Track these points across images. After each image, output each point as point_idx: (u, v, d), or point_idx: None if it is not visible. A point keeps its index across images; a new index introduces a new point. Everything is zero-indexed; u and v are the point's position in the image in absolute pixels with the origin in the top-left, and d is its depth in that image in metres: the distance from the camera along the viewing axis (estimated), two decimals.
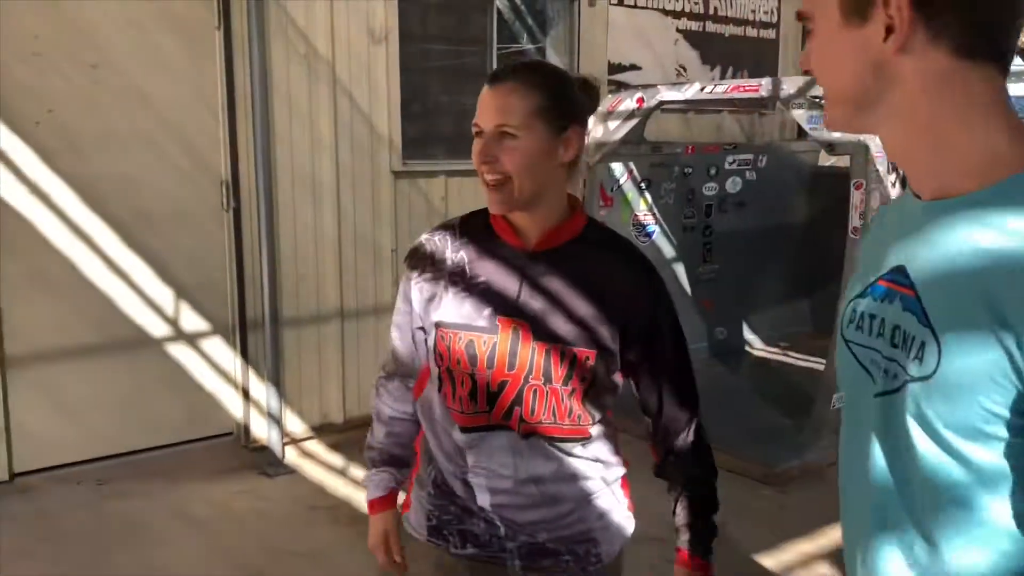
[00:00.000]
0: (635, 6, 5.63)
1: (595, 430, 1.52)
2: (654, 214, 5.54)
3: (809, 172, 6.27)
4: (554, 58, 5.40)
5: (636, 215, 5.47)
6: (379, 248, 4.66)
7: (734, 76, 6.17)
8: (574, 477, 1.51)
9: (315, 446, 4.40)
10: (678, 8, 5.84)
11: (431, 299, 1.50)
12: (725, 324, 5.94)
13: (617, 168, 5.33)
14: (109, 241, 4.00)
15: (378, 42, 4.55)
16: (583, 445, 1.51)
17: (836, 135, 4.06)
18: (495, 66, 4.89)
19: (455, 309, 1.47)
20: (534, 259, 1.46)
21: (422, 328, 1.55)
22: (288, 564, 3.27)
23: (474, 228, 1.52)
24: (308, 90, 4.34)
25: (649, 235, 5.52)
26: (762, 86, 4.41)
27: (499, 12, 5.03)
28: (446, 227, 1.55)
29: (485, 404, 1.47)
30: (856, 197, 3.98)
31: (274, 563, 3.27)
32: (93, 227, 3.96)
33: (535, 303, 1.45)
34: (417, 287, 1.53)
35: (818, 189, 6.21)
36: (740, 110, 6.32)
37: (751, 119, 6.44)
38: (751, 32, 6.30)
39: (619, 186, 5.36)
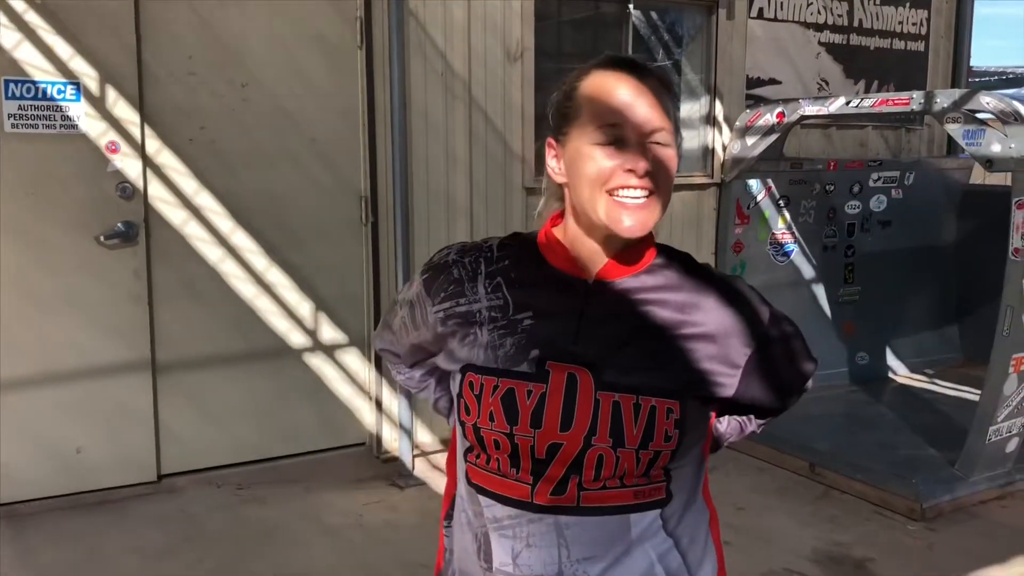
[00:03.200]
0: (775, 19, 5.47)
1: (678, 485, 1.19)
2: (793, 233, 5.35)
3: (960, 190, 5.93)
4: (690, 73, 5.30)
5: (774, 233, 5.30)
6: None
7: (879, 90, 5.91)
8: (643, 555, 1.16)
9: (443, 459, 4.43)
10: (820, 20, 5.65)
11: (457, 335, 1.21)
12: (867, 349, 5.67)
13: (755, 184, 5.19)
14: (254, 253, 4.15)
15: (513, 60, 4.57)
16: (662, 507, 1.17)
17: (995, 149, 3.83)
18: None
19: (490, 350, 1.17)
20: (597, 292, 1.17)
21: (427, 358, 1.33)
22: None
23: (517, 253, 1.24)
24: (444, 107, 4.40)
25: (787, 254, 5.34)
26: (913, 99, 4.21)
27: (634, 27, 4.98)
28: (478, 248, 1.25)
29: (528, 474, 1.14)
30: (1018, 216, 3.74)
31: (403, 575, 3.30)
32: (239, 240, 4.12)
33: (598, 344, 1.14)
34: (438, 317, 1.23)
35: (969, 209, 5.87)
36: (885, 125, 6.05)
37: (897, 135, 6.15)
38: (898, 45, 6.03)
39: (756, 203, 5.21)
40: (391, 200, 4.18)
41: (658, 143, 1.13)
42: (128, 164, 3.84)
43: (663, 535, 1.18)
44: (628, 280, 1.18)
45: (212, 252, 4.07)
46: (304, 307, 4.28)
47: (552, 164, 1.21)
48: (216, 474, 4.14)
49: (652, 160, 1.11)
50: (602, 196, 1.12)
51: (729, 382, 1.19)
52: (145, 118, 3.86)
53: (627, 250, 1.18)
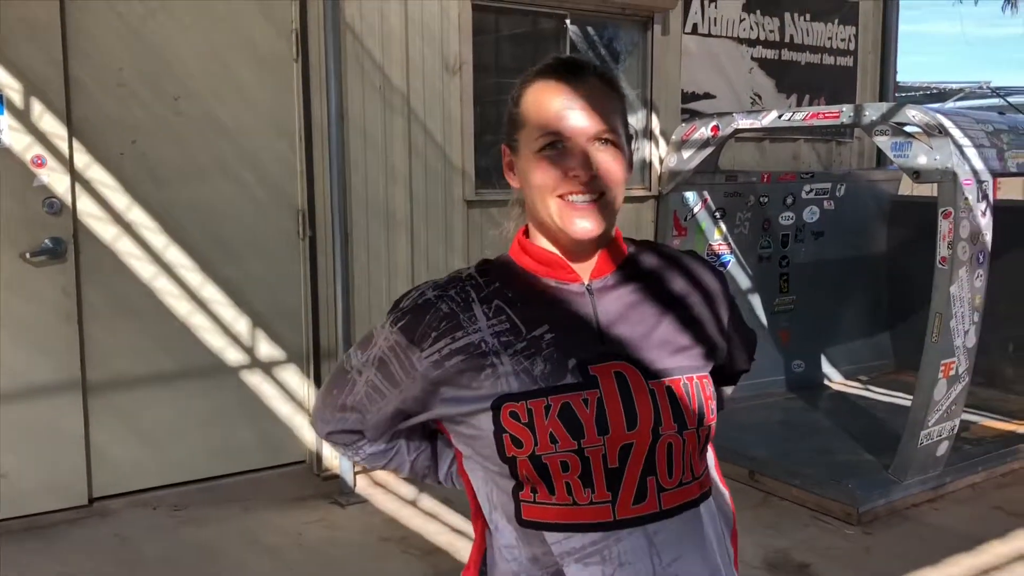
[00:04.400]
0: (709, 34, 5.57)
1: (707, 470, 1.22)
2: (729, 244, 5.44)
3: (889, 201, 6.10)
4: (627, 87, 5.36)
5: (710, 245, 5.37)
6: None
7: (810, 104, 6.05)
8: (713, 543, 1.18)
9: (386, 476, 4.38)
10: (753, 36, 5.77)
11: (466, 373, 1.12)
12: (802, 357, 5.78)
13: (691, 197, 5.26)
14: (188, 269, 4.07)
15: (452, 73, 4.57)
16: (708, 499, 1.20)
17: (922, 161, 3.94)
18: None
19: (523, 374, 1.10)
20: (599, 291, 1.18)
21: (410, 422, 1.23)
22: None
23: (502, 273, 1.19)
24: (383, 120, 4.38)
25: (724, 265, 5.42)
26: (843, 113, 4.31)
27: (572, 42, 5.02)
28: (456, 280, 1.19)
29: (605, 490, 1.10)
30: (944, 226, 3.85)
31: None
32: (173, 255, 4.03)
33: (624, 340, 1.15)
34: (432, 360, 1.13)
35: (898, 219, 6.04)
36: (817, 138, 6.19)
37: (828, 147, 6.31)
38: (828, 60, 6.18)
39: (693, 215, 5.29)
40: (329, 214, 4.14)
41: (603, 144, 1.13)
42: (55, 179, 3.74)
43: (718, 519, 1.22)
44: (620, 273, 1.20)
45: (145, 268, 3.98)
46: (241, 323, 4.21)
47: (508, 171, 1.22)
48: (151, 496, 4.03)
49: (597, 163, 1.12)
50: (553, 201, 1.13)
51: (722, 345, 1.26)
52: (73, 131, 3.77)
53: (607, 247, 1.20)
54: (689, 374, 1.16)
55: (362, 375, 1.22)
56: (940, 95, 15.32)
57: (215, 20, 4.03)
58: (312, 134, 4.19)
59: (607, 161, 1.13)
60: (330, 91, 4.05)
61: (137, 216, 3.94)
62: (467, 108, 4.64)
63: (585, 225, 1.12)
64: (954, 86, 15.50)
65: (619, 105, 1.17)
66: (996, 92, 15.66)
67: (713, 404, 1.18)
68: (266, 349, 4.28)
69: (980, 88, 15.30)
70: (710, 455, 1.26)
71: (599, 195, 1.13)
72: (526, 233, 1.22)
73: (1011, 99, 15.52)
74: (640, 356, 1.14)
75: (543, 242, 1.19)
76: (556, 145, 1.12)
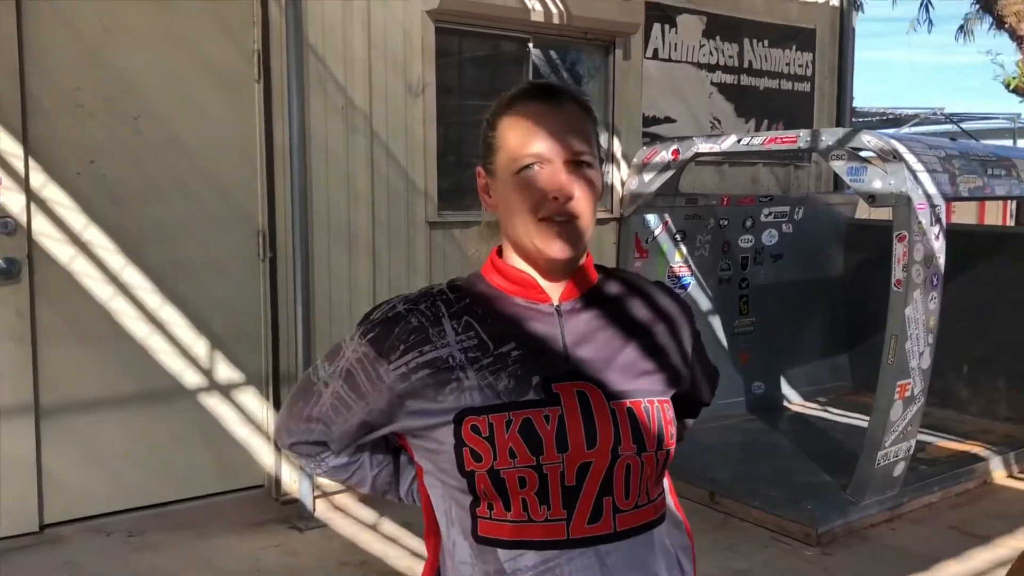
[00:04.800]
0: (669, 59, 5.64)
1: (666, 500, 1.24)
2: (690, 266, 5.49)
3: (846, 224, 6.20)
4: None
5: (671, 267, 5.42)
6: None
7: (769, 128, 6.15)
8: (665, 568, 1.19)
9: (346, 500, 4.33)
10: (713, 61, 5.85)
11: (431, 386, 1.13)
12: (762, 379, 5.83)
13: (652, 219, 5.30)
14: (146, 291, 4.01)
15: (415, 95, 4.58)
16: (662, 525, 1.21)
17: (877, 186, 4.01)
18: None
19: (486, 389, 1.12)
20: (567, 313, 1.19)
21: (375, 434, 1.23)
22: None
23: (473, 291, 1.21)
24: (345, 142, 4.37)
25: (684, 287, 5.46)
26: (800, 137, 4.38)
27: (534, 65, 5.06)
28: (427, 295, 1.20)
29: (561, 507, 1.10)
30: (899, 249, 3.92)
31: None
32: (130, 277, 3.97)
33: (589, 361, 1.17)
34: (399, 372, 1.14)
35: (855, 242, 6.14)
36: (775, 162, 6.28)
37: (787, 171, 6.40)
38: (786, 85, 6.29)
39: (654, 237, 5.33)
40: (290, 235, 4.11)
41: (579, 167, 1.15)
42: (10, 198, 3.68)
43: (667, 545, 1.21)
44: (589, 297, 1.22)
45: (101, 289, 3.92)
46: (199, 345, 4.15)
47: (483, 193, 1.24)
48: (104, 522, 3.95)
49: (573, 186, 1.14)
50: (531, 223, 1.15)
51: (685, 374, 1.28)
52: (29, 150, 3.71)
53: (578, 270, 1.22)
54: (650, 397, 1.18)
55: (328, 387, 1.22)
56: (896, 120, 15.64)
57: (176, 39, 4.00)
58: (273, 155, 4.17)
59: (583, 185, 1.16)
60: (292, 112, 4.04)
61: (94, 236, 3.88)
62: (430, 130, 4.65)
63: (562, 246, 1.15)
64: (909, 112, 15.83)
65: (594, 129, 1.20)
66: (949, 118, 16.02)
67: (673, 429, 1.19)
68: (225, 372, 4.23)
69: (934, 114, 15.65)
70: (666, 482, 1.27)
71: (574, 218, 1.15)
72: (499, 253, 1.24)
73: (963, 125, 15.90)
74: (603, 377, 1.16)
75: (517, 262, 1.21)
76: (533, 167, 1.14)
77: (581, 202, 1.15)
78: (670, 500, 1.28)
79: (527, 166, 1.14)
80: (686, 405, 1.35)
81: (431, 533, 1.22)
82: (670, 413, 1.20)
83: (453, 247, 4.77)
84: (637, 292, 1.27)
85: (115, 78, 3.90)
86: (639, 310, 1.25)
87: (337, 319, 4.37)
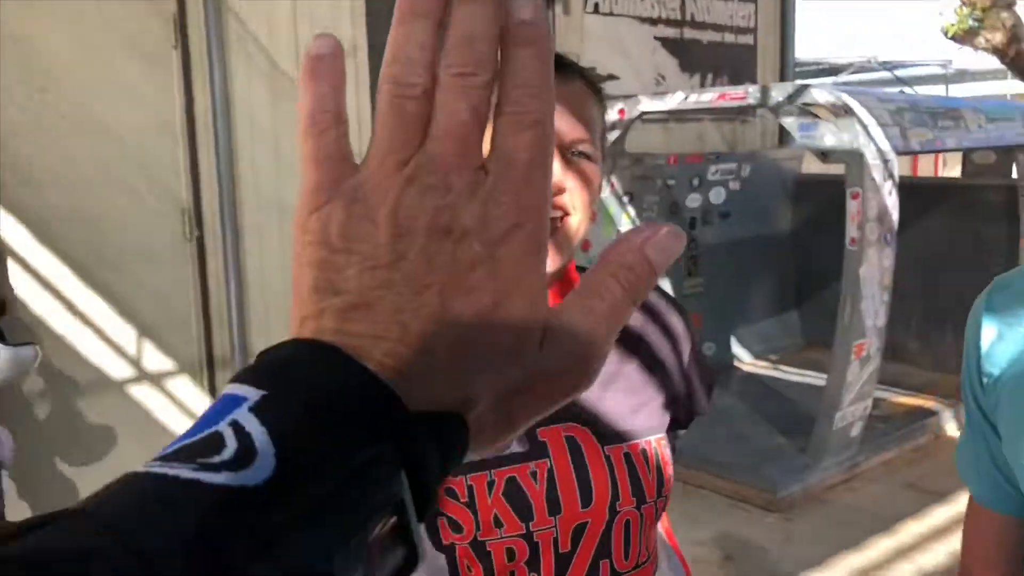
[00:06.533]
0: (611, 13, 5.45)
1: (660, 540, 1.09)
2: None
3: (793, 180, 6.12)
4: None
5: (619, 230, 5.28)
6: None
7: (713, 83, 6.01)
8: None
9: None
10: (655, 15, 5.67)
11: None
12: (713, 339, 5.76)
13: None
14: (65, 279, 3.74)
15: (345, 58, 4.33)
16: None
17: (829, 141, 3.90)
18: None
19: None
20: None
21: None
22: None
23: None
24: (272, 109, 4.11)
25: None
26: (749, 94, 4.25)
27: None
28: None
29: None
30: (853, 207, 3.82)
31: None
32: (48, 264, 3.69)
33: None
34: None
35: (803, 197, 6.07)
36: (722, 118, 6.16)
37: (733, 127, 6.28)
38: (729, 38, 6.14)
39: (600, 201, 5.17)
40: (217, 211, 3.87)
41: (576, 156, 0.93)
42: None
43: None
44: None
45: (16, 279, 3.63)
46: (126, 334, 3.90)
47: None
48: None
49: (570, 176, 0.92)
50: None
51: (682, 390, 1.09)
52: None
53: (560, 281, 0.98)
54: (648, 437, 1.00)
55: None
56: (832, 70, 15.68)
57: (83, 3, 3.69)
58: (196, 126, 3.90)
59: (581, 175, 0.94)
60: (213, 79, 3.78)
61: (5, 222, 3.59)
62: (363, 94, 4.40)
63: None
64: (844, 62, 15.90)
65: (601, 116, 0.99)
66: (884, 66, 16.11)
67: (671, 468, 1.03)
68: (156, 361, 3.98)
69: (868, 62, 15.74)
70: (663, 526, 1.11)
71: (564, 215, 0.93)
72: None
73: (897, 72, 15.98)
74: (596, 412, 0.98)
75: None
76: None
77: (574, 196, 0.93)
78: (665, 538, 1.12)
79: None
80: (680, 418, 1.16)
81: None
82: (667, 450, 1.03)
83: None
84: None
85: (17, 46, 3.58)
86: (635, 323, 1.05)
87: (272, 299, 4.15)
